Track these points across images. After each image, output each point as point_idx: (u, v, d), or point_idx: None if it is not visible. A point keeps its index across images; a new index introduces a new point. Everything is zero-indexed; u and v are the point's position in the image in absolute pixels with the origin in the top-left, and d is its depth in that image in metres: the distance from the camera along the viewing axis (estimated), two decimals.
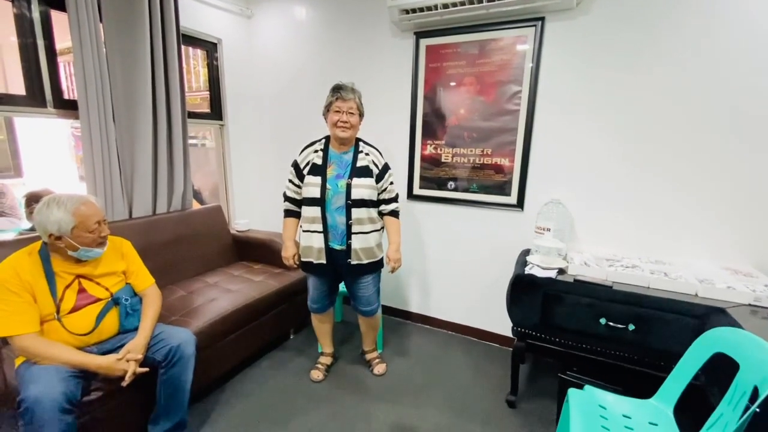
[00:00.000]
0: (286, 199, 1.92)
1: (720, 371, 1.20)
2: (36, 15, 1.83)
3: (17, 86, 1.85)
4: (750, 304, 1.44)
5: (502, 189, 2.24)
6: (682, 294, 1.53)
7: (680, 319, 1.47)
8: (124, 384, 1.33)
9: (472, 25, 2.13)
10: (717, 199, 1.79)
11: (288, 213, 1.94)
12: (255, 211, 3.08)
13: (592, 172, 2.01)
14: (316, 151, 1.83)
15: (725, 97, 1.71)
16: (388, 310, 2.77)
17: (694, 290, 1.53)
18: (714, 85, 1.72)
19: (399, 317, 2.76)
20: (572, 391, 1.34)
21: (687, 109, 1.78)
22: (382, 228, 1.93)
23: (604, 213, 2.02)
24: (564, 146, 2.05)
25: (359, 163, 1.80)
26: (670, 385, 1.28)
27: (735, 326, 1.24)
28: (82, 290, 1.40)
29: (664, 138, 1.84)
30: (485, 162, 2.25)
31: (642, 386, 1.40)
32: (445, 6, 2.02)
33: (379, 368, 2.11)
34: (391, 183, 1.89)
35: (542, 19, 1.97)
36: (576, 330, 1.66)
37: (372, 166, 1.82)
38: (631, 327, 1.54)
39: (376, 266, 1.91)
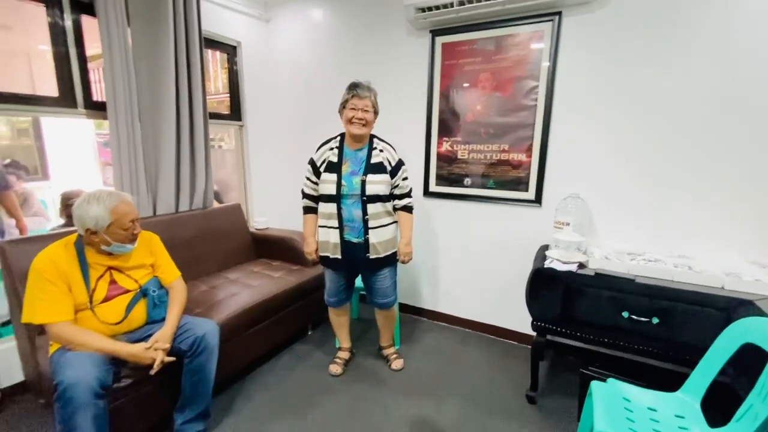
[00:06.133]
0: (305, 196, 1.96)
1: (748, 364, 1.17)
2: (68, 23, 1.91)
3: (46, 92, 1.94)
4: None
5: (520, 185, 2.23)
6: (707, 287, 1.50)
7: (706, 312, 1.44)
8: (153, 372, 1.37)
9: (488, 21, 2.14)
10: (742, 195, 1.75)
11: (307, 210, 1.98)
12: (273, 210, 3.13)
13: (612, 167, 1.99)
14: (331, 149, 1.86)
15: (751, 91, 1.67)
16: (405, 308, 2.77)
17: (720, 283, 1.50)
18: (740, 79, 1.68)
19: (416, 314, 2.77)
20: (595, 384, 1.32)
21: (711, 103, 1.75)
22: None
23: (625, 208, 1.99)
24: (583, 140, 2.04)
25: (373, 160, 1.83)
26: (697, 377, 1.26)
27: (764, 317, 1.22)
28: (113, 281, 1.46)
29: (687, 133, 1.81)
30: (502, 158, 2.25)
31: (665, 382, 1.37)
32: (461, 3, 2.04)
33: (397, 363, 2.12)
34: (405, 179, 1.90)
35: (559, 13, 1.97)
36: (597, 324, 1.65)
37: (386, 163, 1.84)
38: (655, 320, 1.52)
39: (393, 258, 1.93)
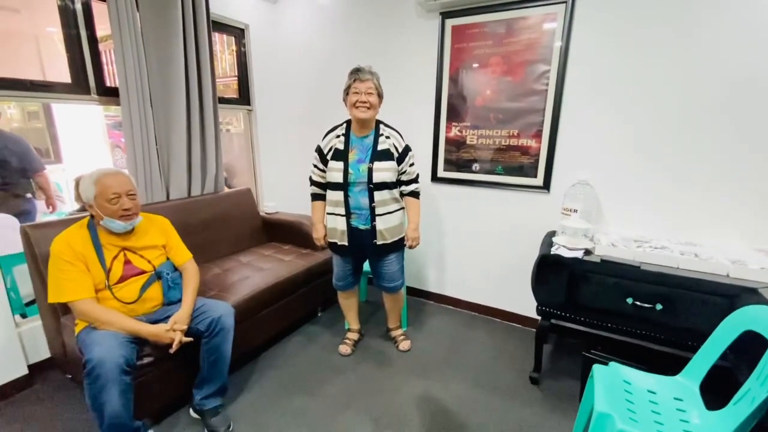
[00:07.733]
0: (313, 183, 1.99)
1: (749, 350, 1.20)
2: (78, 6, 1.91)
3: (55, 74, 1.96)
4: None
5: (528, 171, 2.23)
6: (712, 275, 1.52)
7: (710, 299, 1.46)
8: (172, 351, 1.45)
9: (499, 3, 2.10)
10: (751, 183, 1.74)
11: (315, 197, 2.01)
12: (283, 194, 3.16)
13: (622, 154, 1.98)
14: (338, 136, 1.87)
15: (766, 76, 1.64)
16: (412, 291, 2.83)
17: (725, 271, 1.52)
18: (754, 65, 1.65)
19: (422, 297, 2.82)
20: (597, 367, 1.36)
21: (726, 92, 1.72)
22: None
23: (633, 195, 1.99)
24: (593, 127, 2.02)
25: (380, 147, 1.83)
26: (697, 362, 1.29)
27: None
28: (127, 262, 1.52)
29: (698, 121, 1.79)
30: (511, 144, 2.24)
31: (667, 366, 1.41)
32: None
33: (404, 344, 2.19)
34: (412, 165, 1.91)
35: None
36: (602, 309, 1.68)
37: (393, 150, 1.84)
38: (659, 307, 1.55)
39: (400, 244, 1.96)
